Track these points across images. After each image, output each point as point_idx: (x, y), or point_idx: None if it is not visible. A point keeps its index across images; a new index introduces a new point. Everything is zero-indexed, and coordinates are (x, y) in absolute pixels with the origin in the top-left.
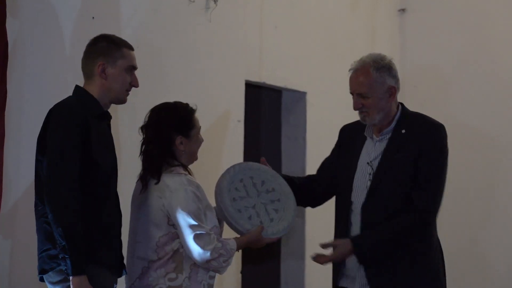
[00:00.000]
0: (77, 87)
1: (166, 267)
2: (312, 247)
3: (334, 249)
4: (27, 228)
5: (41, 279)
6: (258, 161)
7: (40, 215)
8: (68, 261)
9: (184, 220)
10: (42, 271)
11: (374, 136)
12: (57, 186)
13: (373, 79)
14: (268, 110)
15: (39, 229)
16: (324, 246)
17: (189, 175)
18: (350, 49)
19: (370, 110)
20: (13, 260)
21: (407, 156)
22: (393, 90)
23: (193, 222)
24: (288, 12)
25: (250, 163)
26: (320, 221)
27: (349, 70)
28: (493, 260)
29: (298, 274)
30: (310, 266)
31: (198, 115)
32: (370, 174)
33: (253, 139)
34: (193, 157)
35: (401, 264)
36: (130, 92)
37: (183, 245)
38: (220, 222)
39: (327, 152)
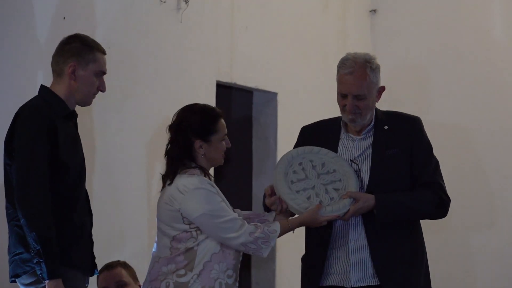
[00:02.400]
0: (42, 87)
1: (177, 263)
2: (283, 249)
3: (356, 201)
4: None
5: (13, 281)
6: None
7: (11, 219)
8: (43, 265)
9: (207, 218)
10: (15, 275)
11: (352, 135)
12: (28, 191)
13: (370, 80)
14: (239, 111)
15: (10, 233)
16: (347, 196)
17: (202, 176)
18: (321, 50)
19: (364, 111)
20: None
21: (399, 152)
22: (381, 90)
23: (216, 214)
24: (259, 13)
25: (310, 147)
26: None
27: (343, 72)
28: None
29: (269, 276)
30: (281, 269)
31: (168, 115)
32: (356, 171)
33: None
34: (214, 162)
35: (406, 260)
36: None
37: (217, 240)
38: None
39: None
